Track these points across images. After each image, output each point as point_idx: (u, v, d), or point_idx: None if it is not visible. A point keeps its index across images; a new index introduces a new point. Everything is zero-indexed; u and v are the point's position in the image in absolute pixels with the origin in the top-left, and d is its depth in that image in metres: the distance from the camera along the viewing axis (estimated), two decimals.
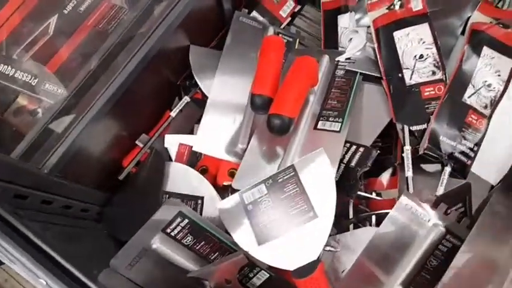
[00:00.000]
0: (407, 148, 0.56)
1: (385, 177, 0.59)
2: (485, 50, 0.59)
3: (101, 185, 0.62)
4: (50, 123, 0.56)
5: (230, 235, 0.50)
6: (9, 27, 0.64)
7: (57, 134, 0.55)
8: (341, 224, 0.56)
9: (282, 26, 0.75)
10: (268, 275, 0.51)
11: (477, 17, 0.62)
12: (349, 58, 0.64)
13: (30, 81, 0.60)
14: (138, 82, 0.57)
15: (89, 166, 0.60)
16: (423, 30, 0.60)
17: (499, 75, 0.58)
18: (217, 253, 0.52)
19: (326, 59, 0.63)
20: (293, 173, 0.50)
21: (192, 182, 0.59)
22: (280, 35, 0.70)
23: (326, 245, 0.51)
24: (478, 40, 0.60)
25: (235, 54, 0.68)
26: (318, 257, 0.48)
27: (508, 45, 0.59)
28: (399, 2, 0.62)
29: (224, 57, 0.67)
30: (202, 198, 0.57)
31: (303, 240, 0.48)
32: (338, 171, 0.55)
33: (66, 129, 0.54)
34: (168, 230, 0.51)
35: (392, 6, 0.62)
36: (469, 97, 0.57)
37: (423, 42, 0.59)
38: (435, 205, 0.49)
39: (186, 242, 0.52)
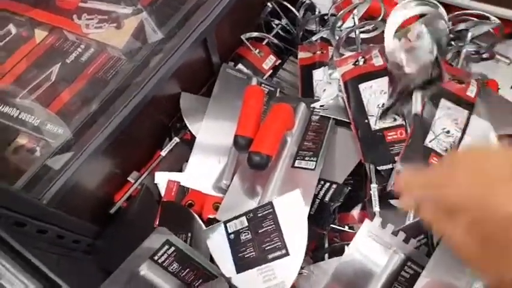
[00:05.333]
0: (374, 186, 0.61)
1: (356, 211, 0.63)
2: (443, 102, 0.65)
3: (94, 217, 0.64)
4: (50, 159, 0.59)
5: (213, 263, 0.54)
6: (16, 73, 0.69)
7: (57, 170, 0.58)
8: (317, 254, 0.60)
9: (265, 77, 0.81)
10: None
11: None
12: (323, 105, 0.70)
13: (33, 122, 0.64)
14: (133, 124, 0.62)
15: (84, 199, 0.63)
16: (384, 83, 0.67)
17: (456, 123, 0.64)
18: (200, 280, 0.55)
19: (302, 105, 0.70)
20: (271, 210, 0.55)
21: (180, 216, 0.63)
22: (262, 85, 0.77)
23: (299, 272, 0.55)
24: (436, 93, 0.66)
25: (222, 101, 0.74)
26: None
27: (462, 97, 0.66)
28: (362, 59, 0.70)
29: (212, 103, 0.73)
30: (191, 230, 0.61)
31: (274, 274, 0.51)
32: (313, 206, 0.59)
33: (65, 164, 0.58)
34: (156, 257, 0.55)
35: (357, 62, 0.70)
36: (430, 142, 0.63)
37: (385, 93, 0.67)
38: (395, 234, 0.54)
39: (172, 269, 0.55)
